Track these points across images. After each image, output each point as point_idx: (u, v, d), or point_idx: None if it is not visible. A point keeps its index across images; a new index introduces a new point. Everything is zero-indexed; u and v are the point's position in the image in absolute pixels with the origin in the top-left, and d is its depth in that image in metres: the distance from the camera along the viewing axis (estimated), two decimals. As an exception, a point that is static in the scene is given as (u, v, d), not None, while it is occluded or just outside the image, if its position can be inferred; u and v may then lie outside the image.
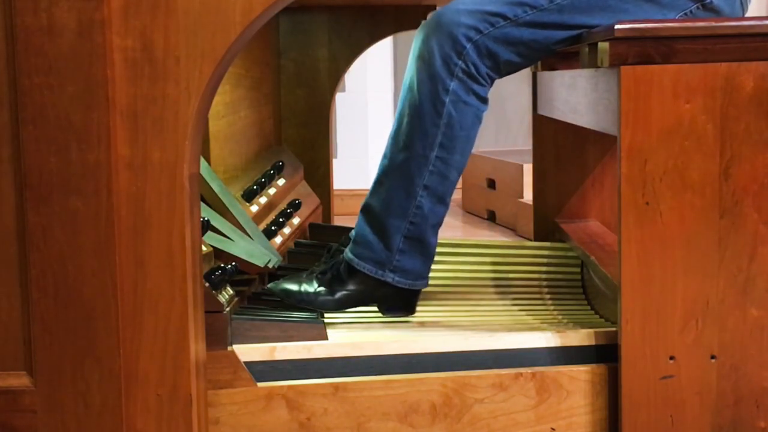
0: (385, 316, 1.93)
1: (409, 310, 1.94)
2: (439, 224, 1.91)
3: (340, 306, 1.90)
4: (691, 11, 1.85)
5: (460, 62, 1.82)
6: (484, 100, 1.86)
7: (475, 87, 1.84)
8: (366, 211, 1.91)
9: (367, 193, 1.92)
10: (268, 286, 1.93)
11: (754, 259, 1.60)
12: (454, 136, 1.85)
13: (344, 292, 1.90)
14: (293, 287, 1.90)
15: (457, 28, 1.82)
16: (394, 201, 1.87)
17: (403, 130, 1.87)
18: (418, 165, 1.85)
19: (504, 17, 1.83)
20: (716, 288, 1.61)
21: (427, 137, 1.85)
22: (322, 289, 1.90)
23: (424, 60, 1.85)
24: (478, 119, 1.87)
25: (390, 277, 1.89)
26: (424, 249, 1.90)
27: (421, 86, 1.85)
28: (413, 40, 2.05)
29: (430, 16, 1.92)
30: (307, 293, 1.89)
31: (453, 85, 1.83)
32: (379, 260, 1.89)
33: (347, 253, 1.92)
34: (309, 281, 1.91)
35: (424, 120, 1.84)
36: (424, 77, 1.84)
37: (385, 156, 1.90)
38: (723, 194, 1.60)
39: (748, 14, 1.96)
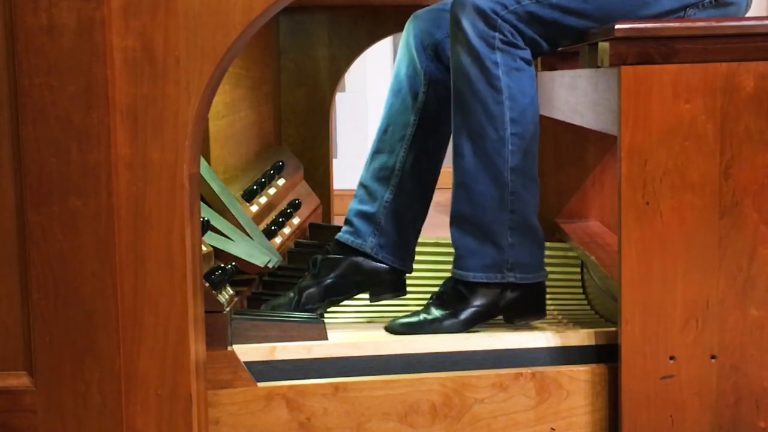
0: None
1: (541, 310, 1.85)
2: (537, 205, 1.82)
3: (469, 326, 1.80)
4: (703, 4, 1.83)
5: (497, 34, 1.77)
6: (530, 63, 1.81)
7: (520, 53, 1.79)
8: (458, 221, 1.82)
9: (451, 203, 1.83)
10: (385, 328, 1.82)
11: (754, 259, 1.60)
12: (520, 105, 1.78)
13: (470, 310, 1.80)
14: (413, 320, 1.81)
15: (485, 3, 1.77)
16: (485, 197, 1.79)
17: (466, 123, 1.80)
18: (497, 149, 1.77)
19: None
20: (716, 288, 1.61)
21: (494, 118, 1.77)
22: (444, 312, 1.80)
23: (462, 44, 1.79)
24: (534, 81, 1.81)
25: (511, 277, 1.80)
26: (534, 235, 1.81)
27: (468, 70, 1.78)
28: (404, 32, 2.03)
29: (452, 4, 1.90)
30: (430, 322, 1.80)
31: (498, 57, 1.78)
32: (493, 264, 1.80)
33: (456, 271, 1.82)
34: (427, 311, 1.82)
35: (485, 102, 1.78)
36: (467, 61, 1.78)
37: (458, 155, 1.81)
38: (723, 194, 1.60)
39: (748, 14, 1.96)
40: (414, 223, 2.00)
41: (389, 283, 1.98)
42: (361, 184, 2.01)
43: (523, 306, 1.83)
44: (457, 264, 1.83)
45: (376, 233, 1.97)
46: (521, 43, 1.80)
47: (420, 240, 2.07)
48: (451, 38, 1.83)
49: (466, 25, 1.78)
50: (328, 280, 1.96)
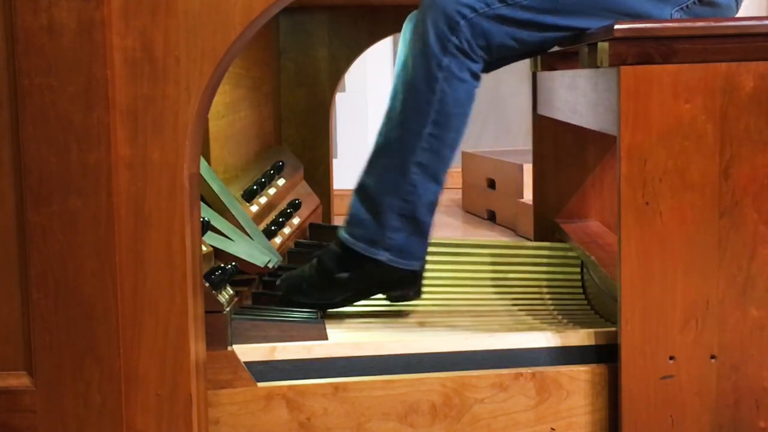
0: (393, 305, 1.90)
1: (414, 293, 1.92)
2: (433, 204, 1.88)
3: (342, 293, 1.89)
4: (687, 6, 1.84)
5: (453, 38, 1.81)
6: (478, 77, 1.85)
7: (469, 63, 1.83)
8: (359, 190, 1.89)
9: (362, 172, 1.90)
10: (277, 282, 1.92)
11: (754, 259, 1.60)
12: (447, 112, 1.83)
13: (344, 275, 1.89)
14: (295, 274, 1.90)
15: (452, 5, 1.80)
16: (386, 178, 1.85)
17: (397, 108, 1.85)
18: (411, 142, 1.83)
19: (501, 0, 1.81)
20: (716, 288, 1.61)
21: (419, 114, 1.83)
22: (324, 271, 1.89)
23: (419, 37, 1.83)
24: (472, 96, 1.85)
25: (383, 256, 1.86)
26: (418, 228, 1.87)
27: (414, 63, 1.83)
28: (405, 21, 2.05)
29: None
30: (309, 278, 1.89)
31: (446, 61, 1.81)
32: (372, 238, 1.87)
33: (341, 232, 1.90)
34: (311, 268, 1.91)
35: (417, 96, 1.83)
36: (417, 54, 1.83)
37: (379, 134, 1.88)
38: (723, 194, 1.60)
39: (748, 14, 1.96)
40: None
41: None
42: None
43: (395, 287, 1.91)
44: (345, 228, 1.90)
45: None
46: (475, 55, 1.83)
47: None
48: (409, 32, 1.87)
49: (429, 21, 1.82)
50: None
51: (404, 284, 1.92)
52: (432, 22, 1.81)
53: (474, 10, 1.81)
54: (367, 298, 1.94)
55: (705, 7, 1.86)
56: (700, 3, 1.86)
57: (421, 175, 1.84)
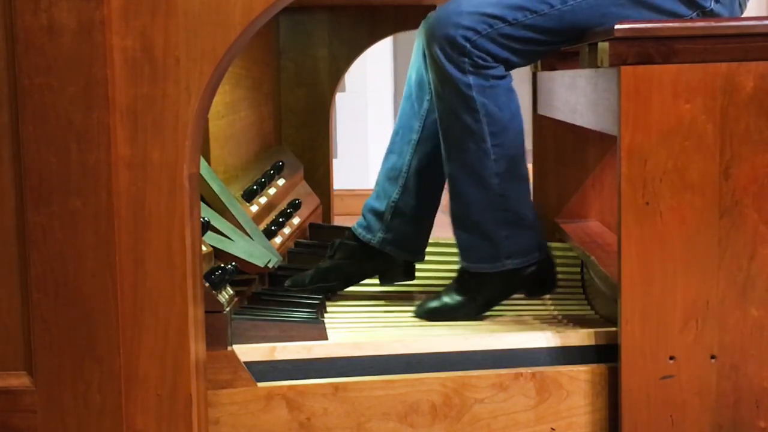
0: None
1: (552, 282, 2.02)
2: (527, 194, 1.94)
3: (482, 310, 1.97)
4: (691, 18, 1.85)
5: (465, 59, 1.84)
6: (505, 76, 1.88)
7: (491, 72, 1.86)
8: (456, 220, 1.95)
9: (449, 204, 1.96)
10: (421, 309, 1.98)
11: (754, 259, 1.60)
12: (498, 119, 1.87)
13: (479, 297, 1.95)
14: (433, 306, 1.96)
15: (455, 30, 1.83)
16: (475, 200, 1.90)
17: (448, 136, 1.90)
18: (480, 160, 1.88)
19: (503, 20, 1.83)
20: (716, 288, 1.61)
21: (474, 134, 1.87)
22: (458, 299, 1.96)
23: (435, 68, 1.87)
24: (511, 90, 1.89)
25: (510, 264, 1.93)
26: (524, 225, 1.93)
27: (444, 93, 1.87)
28: (415, 39, 2.06)
29: (426, 19, 1.93)
30: (449, 308, 1.95)
31: (470, 79, 1.85)
32: (491, 255, 1.93)
33: (462, 262, 1.97)
34: (444, 298, 1.97)
35: (464, 122, 1.87)
36: (441, 83, 1.87)
37: (445, 163, 1.93)
38: (723, 194, 1.60)
39: (748, 14, 1.96)
40: (420, 220, 2.10)
41: (398, 270, 2.12)
42: (377, 181, 2.14)
43: (532, 284, 1.99)
44: (461, 256, 1.97)
45: (383, 229, 2.09)
46: (492, 63, 1.86)
47: None
48: (427, 61, 1.91)
49: (438, 51, 1.86)
50: (342, 262, 2.10)
51: (541, 276, 1.98)
52: (441, 50, 1.85)
53: (477, 32, 1.83)
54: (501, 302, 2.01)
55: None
56: (703, 15, 1.86)
57: (504, 183, 1.89)
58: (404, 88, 2.13)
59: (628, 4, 1.83)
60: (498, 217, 1.90)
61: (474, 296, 1.95)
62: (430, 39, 1.87)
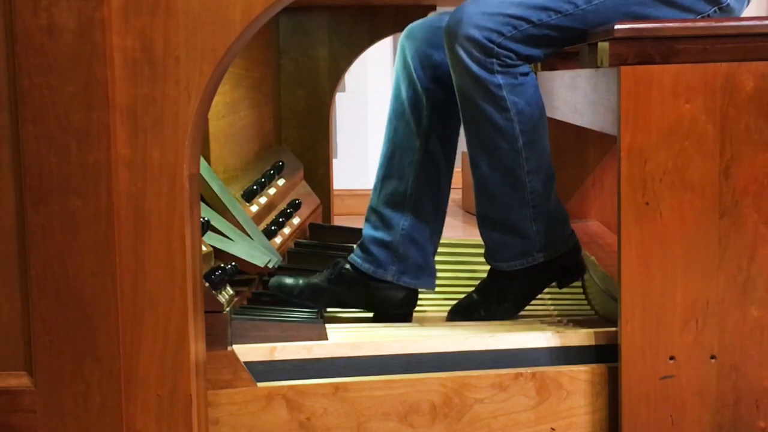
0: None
1: (581, 268, 1.99)
2: (553, 185, 1.93)
3: (518, 309, 1.97)
4: (708, 15, 1.84)
5: (492, 60, 1.81)
6: (530, 71, 1.87)
7: (517, 69, 1.83)
8: (485, 222, 1.93)
9: (475, 206, 1.94)
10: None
11: (754, 259, 1.60)
12: (527, 116, 1.85)
13: (514, 294, 1.95)
14: (466, 308, 1.97)
15: (478, 32, 1.80)
16: (508, 199, 1.89)
17: (479, 138, 1.87)
18: (513, 159, 1.86)
19: (528, 21, 1.81)
20: (716, 288, 1.61)
21: (506, 133, 1.85)
22: (491, 300, 1.95)
23: (462, 71, 1.83)
24: (536, 85, 1.87)
25: (541, 257, 1.91)
26: (556, 217, 1.93)
27: (475, 95, 1.84)
28: (398, 52, 2.04)
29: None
30: (483, 309, 1.95)
31: (498, 79, 1.82)
32: (523, 251, 1.92)
33: (492, 263, 1.96)
34: (476, 300, 1.96)
35: (494, 121, 1.84)
36: (471, 87, 1.83)
37: (474, 166, 1.90)
38: (723, 194, 1.60)
39: (748, 14, 1.96)
40: (432, 242, 2.04)
41: (401, 302, 2.02)
42: (373, 210, 2.03)
43: (563, 274, 1.97)
44: (491, 257, 1.95)
45: (395, 260, 2.00)
46: (517, 61, 1.83)
47: None
48: (450, 63, 1.87)
49: (462, 53, 1.82)
50: (338, 289, 1.99)
51: (571, 265, 1.97)
52: (465, 53, 1.81)
53: (501, 34, 1.81)
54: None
55: (724, 14, 1.86)
56: (720, 11, 1.85)
57: (536, 179, 1.88)
58: (390, 106, 2.04)
59: (650, 2, 1.81)
60: (530, 214, 1.89)
61: (506, 296, 1.95)
62: (452, 41, 1.82)
